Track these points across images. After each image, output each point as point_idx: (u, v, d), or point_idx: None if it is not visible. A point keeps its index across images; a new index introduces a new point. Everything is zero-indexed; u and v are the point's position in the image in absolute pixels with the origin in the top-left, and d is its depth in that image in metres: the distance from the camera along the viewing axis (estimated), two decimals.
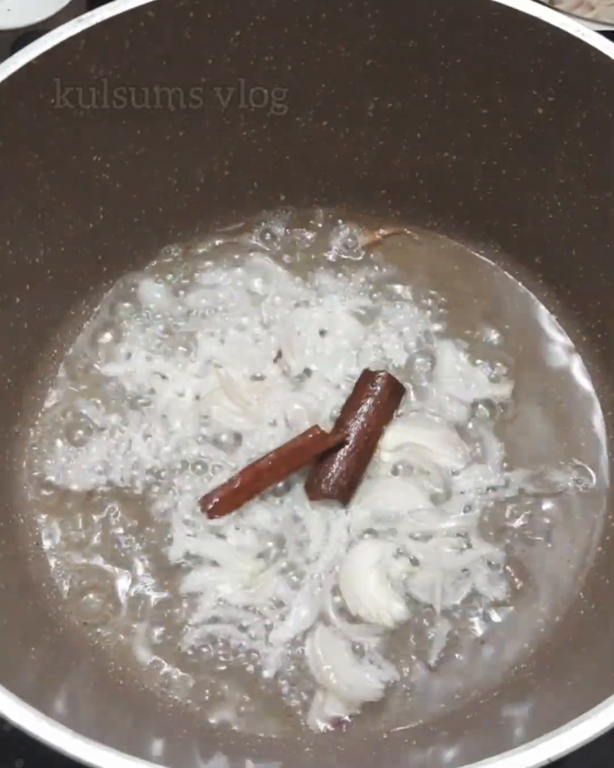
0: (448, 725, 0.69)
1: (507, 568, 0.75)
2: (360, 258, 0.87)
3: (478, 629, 0.73)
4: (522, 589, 0.74)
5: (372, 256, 0.87)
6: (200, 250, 0.87)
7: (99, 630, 0.73)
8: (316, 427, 0.75)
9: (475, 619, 0.73)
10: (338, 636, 0.71)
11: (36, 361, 0.80)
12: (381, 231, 0.87)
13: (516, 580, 0.74)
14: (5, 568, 0.71)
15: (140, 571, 0.75)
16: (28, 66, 0.64)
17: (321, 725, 0.70)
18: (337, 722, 0.70)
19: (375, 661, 0.71)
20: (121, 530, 0.76)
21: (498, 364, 0.82)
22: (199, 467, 0.77)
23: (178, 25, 0.68)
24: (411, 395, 0.80)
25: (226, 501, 0.74)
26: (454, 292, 0.86)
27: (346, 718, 0.70)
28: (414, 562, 0.74)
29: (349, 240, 0.88)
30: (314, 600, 0.72)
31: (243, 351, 0.82)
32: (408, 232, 0.88)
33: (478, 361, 0.82)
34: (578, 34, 0.66)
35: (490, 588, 0.73)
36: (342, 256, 0.87)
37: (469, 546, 0.74)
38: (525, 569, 0.75)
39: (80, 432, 0.79)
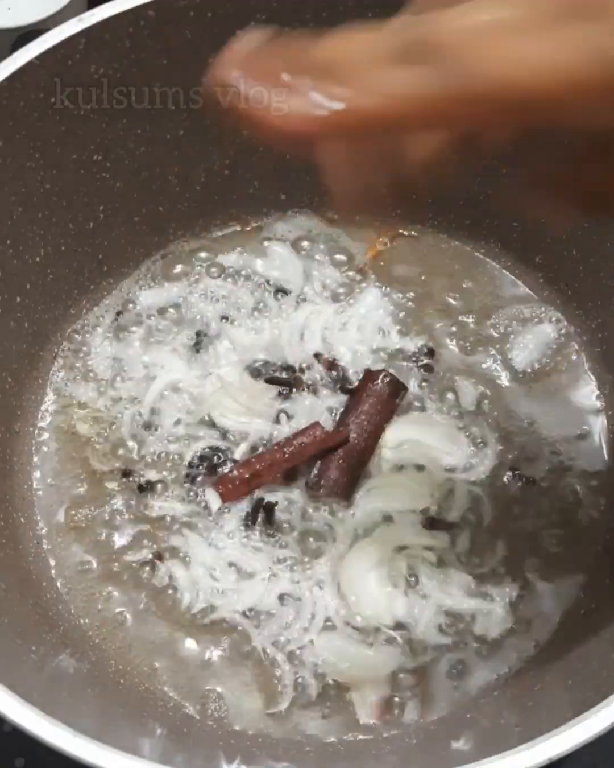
0: (448, 725, 0.69)
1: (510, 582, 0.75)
2: (360, 257, 0.87)
3: (478, 628, 0.73)
4: (523, 589, 0.74)
5: (372, 257, 0.87)
6: (201, 250, 0.87)
7: (100, 629, 0.73)
8: (317, 423, 0.75)
9: (475, 618, 0.73)
10: (341, 636, 0.72)
11: (36, 361, 0.80)
12: (382, 239, 0.87)
13: (516, 584, 0.75)
14: (5, 568, 0.71)
15: (142, 569, 0.75)
16: (28, 65, 0.64)
17: (373, 719, 0.70)
18: (384, 705, 0.70)
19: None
20: (120, 528, 0.76)
21: (498, 364, 0.83)
22: (199, 466, 0.77)
23: (179, 25, 0.68)
24: (412, 393, 0.80)
25: (223, 496, 0.75)
26: (454, 291, 0.86)
27: (385, 696, 0.70)
28: (421, 593, 0.73)
29: (349, 240, 0.88)
30: (316, 600, 0.72)
31: (243, 349, 0.82)
32: (407, 233, 0.88)
33: (478, 360, 0.83)
34: None
35: (490, 629, 0.73)
36: (343, 256, 0.87)
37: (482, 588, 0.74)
38: (525, 568, 0.75)
39: (79, 431, 0.79)
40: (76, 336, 0.83)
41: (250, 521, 0.75)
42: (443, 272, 0.87)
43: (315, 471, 0.75)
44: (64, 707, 0.56)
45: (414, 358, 0.82)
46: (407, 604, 0.72)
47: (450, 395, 0.81)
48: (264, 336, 0.82)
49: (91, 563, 0.75)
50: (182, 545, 0.75)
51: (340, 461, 0.75)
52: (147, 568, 0.75)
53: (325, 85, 0.35)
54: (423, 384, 0.81)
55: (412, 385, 0.80)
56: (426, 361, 0.82)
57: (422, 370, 0.82)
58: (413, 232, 0.88)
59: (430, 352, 0.82)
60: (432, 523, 0.75)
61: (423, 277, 0.86)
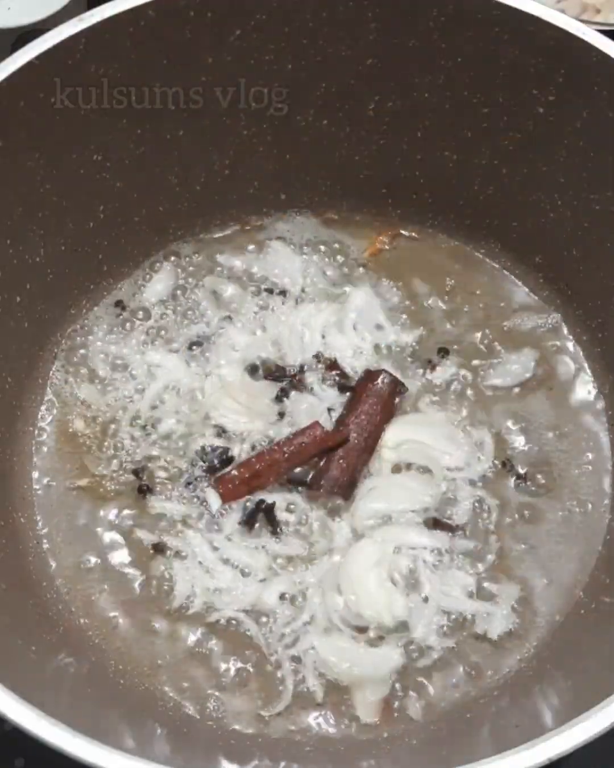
0: (448, 725, 0.69)
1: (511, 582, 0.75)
2: (359, 258, 0.87)
3: (478, 628, 0.73)
4: (523, 589, 0.74)
5: (372, 257, 0.87)
6: (201, 250, 0.87)
7: (100, 629, 0.73)
8: (317, 423, 0.75)
9: (475, 618, 0.73)
10: (341, 636, 0.72)
11: (36, 361, 0.80)
12: (382, 239, 0.87)
13: (516, 585, 0.75)
14: (5, 568, 0.71)
15: (141, 568, 0.75)
16: (29, 65, 0.64)
17: (373, 719, 0.70)
18: (384, 704, 0.70)
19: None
20: (120, 528, 0.76)
21: (497, 363, 0.83)
22: (198, 466, 0.77)
23: (178, 25, 0.68)
24: (412, 393, 0.80)
25: (222, 496, 0.75)
26: (454, 291, 0.86)
27: (385, 696, 0.70)
28: (421, 593, 0.73)
29: (349, 240, 0.88)
30: (317, 600, 0.72)
31: (244, 349, 0.82)
32: (407, 233, 0.88)
33: (478, 359, 0.83)
34: (579, 33, 0.66)
35: (490, 629, 0.72)
36: (342, 256, 0.87)
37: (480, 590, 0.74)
38: (525, 568, 0.75)
39: (79, 431, 0.79)
40: (76, 336, 0.83)
41: (250, 521, 0.75)
42: (443, 272, 0.87)
43: (315, 471, 0.75)
44: (64, 707, 0.56)
45: (414, 358, 0.82)
46: (407, 604, 0.72)
47: (449, 395, 0.81)
48: (264, 336, 0.82)
49: (90, 563, 0.75)
50: (182, 545, 0.75)
51: (340, 461, 0.75)
52: (147, 569, 0.75)
53: None
54: (423, 384, 0.81)
55: (412, 385, 0.81)
56: (429, 360, 0.82)
57: (422, 369, 0.82)
58: (413, 232, 0.88)
59: (443, 351, 0.82)
60: (432, 523, 0.75)
61: (422, 277, 0.86)
